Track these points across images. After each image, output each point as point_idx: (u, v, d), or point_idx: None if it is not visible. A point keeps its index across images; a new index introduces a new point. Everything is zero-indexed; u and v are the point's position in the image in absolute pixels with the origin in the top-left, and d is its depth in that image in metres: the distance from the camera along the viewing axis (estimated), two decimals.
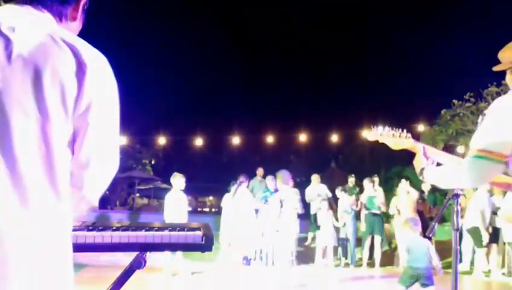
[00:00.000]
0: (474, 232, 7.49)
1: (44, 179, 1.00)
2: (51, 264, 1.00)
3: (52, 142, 1.01)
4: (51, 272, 1.00)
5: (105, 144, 1.14)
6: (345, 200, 9.04)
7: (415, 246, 4.70)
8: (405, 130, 2.48)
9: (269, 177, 8.12)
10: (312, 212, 10.26)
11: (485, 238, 7.36)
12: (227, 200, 8.64)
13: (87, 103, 1.06)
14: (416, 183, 9.58)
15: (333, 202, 9.51)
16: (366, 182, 8.85)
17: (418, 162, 2.21)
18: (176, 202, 6.81)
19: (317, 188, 10.13)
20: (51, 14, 1.16)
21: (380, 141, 2.51)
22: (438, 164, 2.22)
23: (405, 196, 8.36)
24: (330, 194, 9.72)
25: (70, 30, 1.22)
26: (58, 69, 1.02)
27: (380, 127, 2.51)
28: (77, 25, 1.27)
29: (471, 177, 1.80)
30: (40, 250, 0.98)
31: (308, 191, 10.26)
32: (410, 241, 4.88)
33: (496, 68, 2.01)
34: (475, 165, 1.77)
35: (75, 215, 1.18)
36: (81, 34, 1.26)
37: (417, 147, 2.34)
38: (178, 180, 6.89)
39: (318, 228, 8.98)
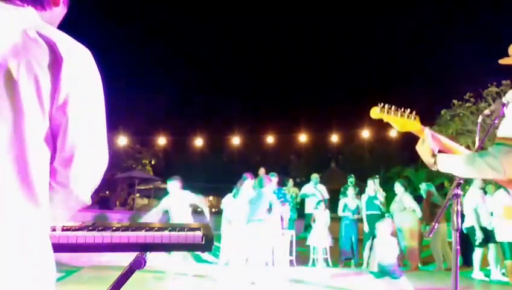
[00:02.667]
0: (472, 232, 7.47)
1: (16, 180, 0.99)
2: (25, 267, 0.98)
3: (27, 139, 1.00)
4: (26, 275, 0.98)
5: (89, 138, 1.11)
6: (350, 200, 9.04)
7: (382, 245, 5.63)
8: (414, 111, 2.23)
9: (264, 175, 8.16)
10: (307, 211, 10.25)
11: (479, 236, 7.34)
12: (228, 199, 8.63)
13: (64, 97, 1.04)
14: (416, 183, 9.60)
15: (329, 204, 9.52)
16: (369, 183, 8.82)
17: (426, 150, 2.06)
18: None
19: (316, 188, 10.13)
20: (32, 5, 1.12)
21: (385, 120, 2.24)
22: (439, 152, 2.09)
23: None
24: (328, 196, 9.71)
25: (53, 16, 1.20)
26: (32, 66, 1.01)
27: (387, 105, 2.23)
28: (60, 9, 1.23)
29: (491, 163, 1.75)
30: (13, 252, 0.96)
31: (306, 188, 10.26)
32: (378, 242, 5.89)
33: (502, 61, 1.97)
34: (494, 151, 1.75)
35: (64, 214, 1.16)
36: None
37: (425, 132, 2.14)
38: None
39: (310, 227, 8.95)
